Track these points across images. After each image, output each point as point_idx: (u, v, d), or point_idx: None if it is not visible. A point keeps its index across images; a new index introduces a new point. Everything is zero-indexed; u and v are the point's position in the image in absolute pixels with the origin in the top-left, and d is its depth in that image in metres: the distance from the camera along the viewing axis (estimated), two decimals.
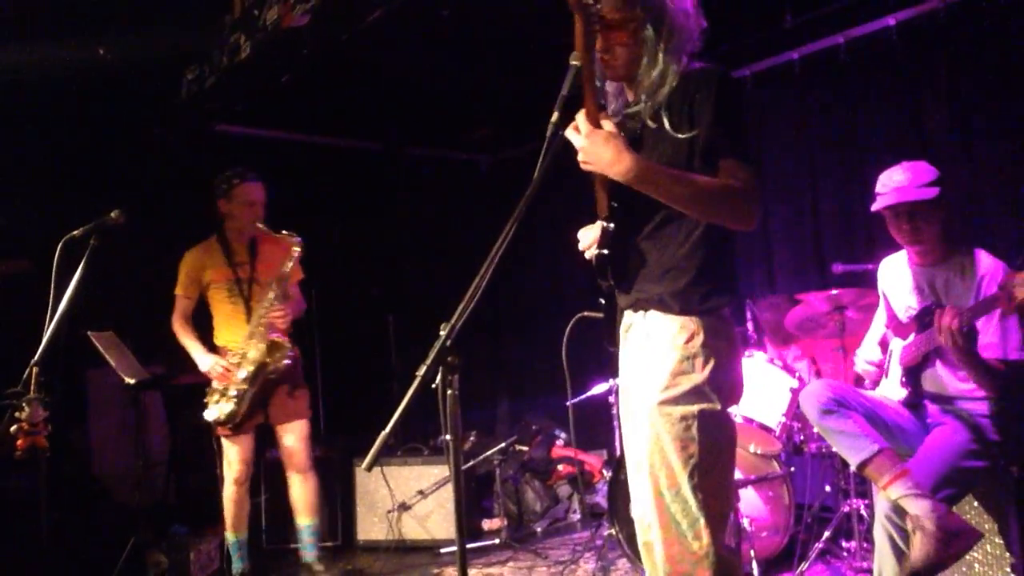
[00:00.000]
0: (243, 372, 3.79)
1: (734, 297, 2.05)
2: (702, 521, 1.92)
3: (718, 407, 1.96)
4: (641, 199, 1.96)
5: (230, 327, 3.93)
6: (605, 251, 2.04)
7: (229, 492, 3.94)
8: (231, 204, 3.92)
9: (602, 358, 4.09)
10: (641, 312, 2.06)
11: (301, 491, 4.00)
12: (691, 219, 1.98)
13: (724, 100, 1.93)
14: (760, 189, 1.94)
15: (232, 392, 3.80)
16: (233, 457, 3.90)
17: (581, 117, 1.91)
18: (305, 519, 4.02)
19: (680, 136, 1.95)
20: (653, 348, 2.00)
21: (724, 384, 1.98)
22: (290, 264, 3.83)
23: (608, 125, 1.92)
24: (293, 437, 3.93)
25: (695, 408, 1.93)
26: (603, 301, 2.19)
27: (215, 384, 3.84)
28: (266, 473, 4.86)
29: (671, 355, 1.96)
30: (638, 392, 2.04)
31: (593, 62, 1.95)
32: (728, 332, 2.03)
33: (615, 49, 2.01)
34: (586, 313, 3.38)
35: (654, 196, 1.90)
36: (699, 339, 1.96)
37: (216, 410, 3.81)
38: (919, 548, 2.49)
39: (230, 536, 3.97)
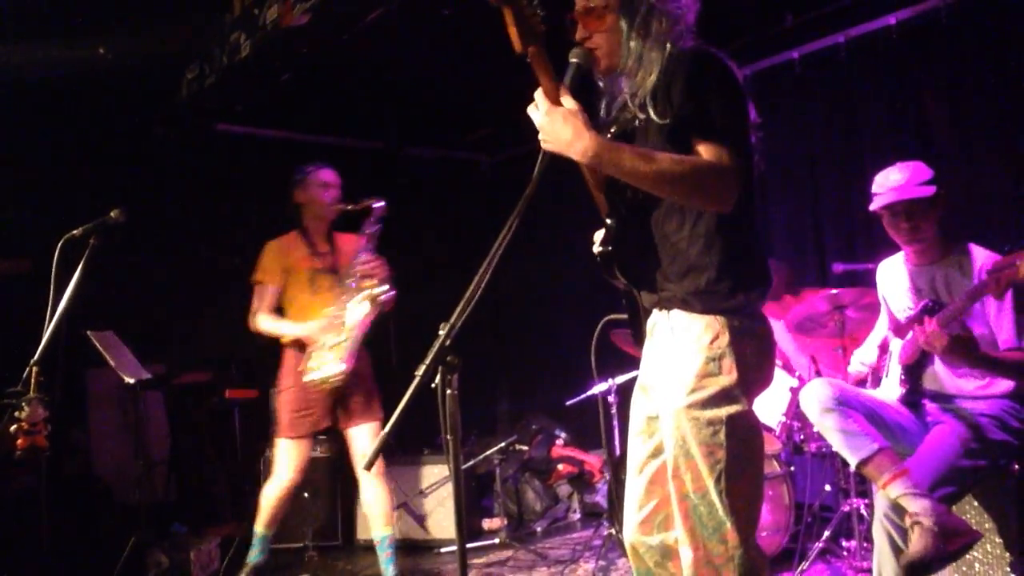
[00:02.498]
0: (346, 319, 3.68)
1: (762, 290, 1.96)
2: (728, 524, 1.87)
3: (746, 409, 1.91)
4: (640, 195, 1.93)
5: (307, 319, 3.76)
6: (609, 248, 2.01)
7: (277, 492, 3.76)
8: (307, 191, 3.90)
9: (602, 358, 4.11)
10: (665, 311, 2.01)
11: (372, 498, 3.78)
12: (695, 212, 1.92)
13: (696, 78, 1.86)
14: (739, 169, 1.83)
15: (334, 341, 3.65)
16: (290, 462, 3.74)
17: (539, 95, 1.85)
18: (379, 530, 3.78)
19: (662, 123, 1.89)
20: (678, 348, 1.94)
21: (753, 383, 1.93)
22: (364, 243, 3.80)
23: (569, 102, 1.85)
24: (365, 440, 3.76)
25: (723, 413, 1.87)
26: (624, 301, 2.15)
27: (318, 345, 3.68)
28: (265, 473, 4.86)
29: (697, 356, 1.90)
30: (662, 393, 1.98)
31: (542, 46, 1.86)
32: (755, 328, 1.95)
33: (595, 37, 1.98)
34: (612, 316, 3.36)
35: (620, 177, 1.85)
36: (724, 339, 1.89)
37: (321, 372, 3.65)
38: (917, 542, 2.48)
39: (259, 530, 3.80)
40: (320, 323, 3.70)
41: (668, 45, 1.94)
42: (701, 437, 1.88)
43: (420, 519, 4.82)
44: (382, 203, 3.81)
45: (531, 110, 1.87)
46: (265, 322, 3.80)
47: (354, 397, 3.78)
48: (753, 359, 1.93)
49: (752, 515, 1.94)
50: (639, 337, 2.16)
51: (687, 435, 1.89)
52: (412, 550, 4.71)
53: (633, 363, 2.23)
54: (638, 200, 1.95)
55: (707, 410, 1.88)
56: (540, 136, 1.84)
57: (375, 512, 3.79)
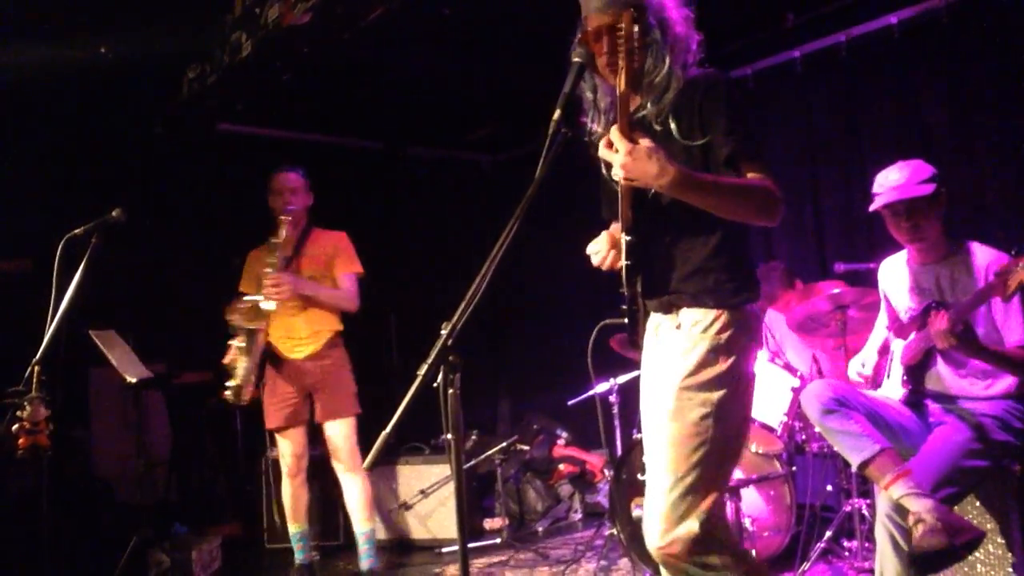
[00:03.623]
0: (239, 343, 3.76)
1: (757, 293, 2.11)
2: (704, 504, 1.97)
3: (737, 396, 2.03)
4: (661, 211, 2.02)
5: (273, 322, 3.85)
6: (631, 262, 2.07)
7: (284, 486, 3.96)
8: (270, 197, 3.90)
9: (603, 359, 4.11)
10: (673, 312, 2.11)
11: (350, 492, 3.93)
12: (709, 224, 2.03)
13: (734, 106, 2.00)
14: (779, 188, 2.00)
15: (232, 365, 3.78)
16: (283, 451, 3.92)
17: (616, 134, 1.91)
18: (359, 524, 3.94)
19: (692, 143, 2.00)
20: (685, 339, 2.06)
21: (744, 375, 2.05)
22: (279, 238, 3.74)
23: (645, 141, 1.93)
24: (336, 434, 3.87)
25: (715, 396, 2.00)
26: (624, 306, 2.20)
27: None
28: (267, 472, 4.87)
29: (702, 344, 2.03)
30: (662, 379, 2.09)
31: (631, 86, 1.95)
32: (754, 326, 2.10)
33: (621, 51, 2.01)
34: (608, 321, 3.41)
35: (694, 203, 1.95)
36: (729, 330, 2.03)
37: (229, 389, 3.78)
38: (922, 536, 2.47)
39: (291, 527, 4.01)
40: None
41: (684, 70, 2.05)
42: (691, 417, 2.00)
43: (421, 519, 4.82)
44: (288, 217, 3.76)
45: (603, 152, 1.94)
46: None
47: (322, 394, 3.89)
48: (746, 353, 2.07)
49: (719, 500, 2.04)
50: (637, 342, 2.24)
51: (678, 413, 2.01)
52: (413, 550, 4.72)
53: (633, 364, 2.25)
54: (655, 217, 2.04)
55: (701, 392, 2.01)
56: (623, 174, 1.91)
57: (354, 507, 3.92)
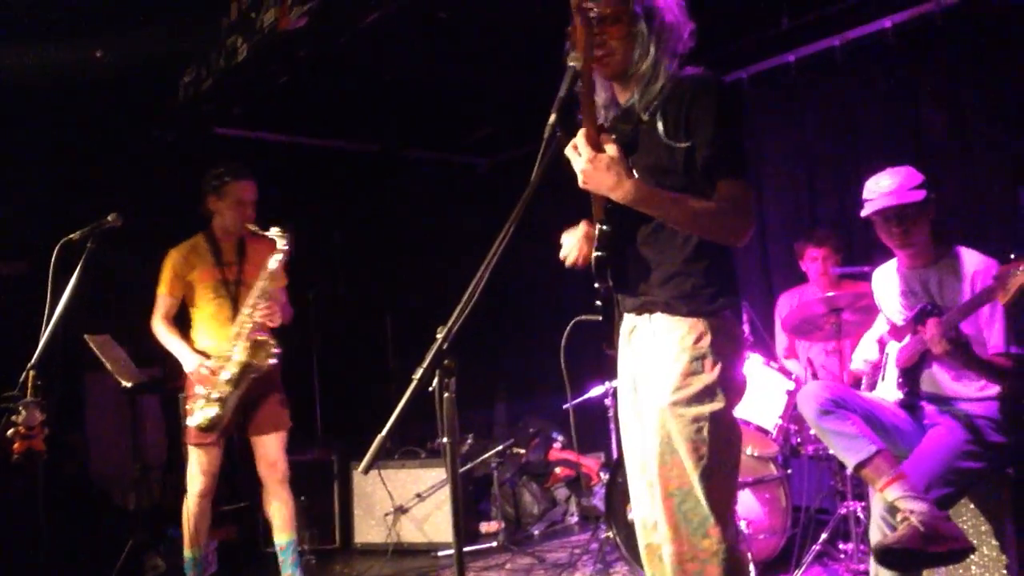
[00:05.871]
0: (226, 374, 3.55)
1: (738, 297, 2.08)
2: (712, 519, 1.94)
3: (727, 406, 1.98)
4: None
5: (213, 330, 3.71)
6: (602, 253, 2.04)
7: (191, 505, 3.68)
8: (221, 202, 3.74)
9: (599, 361, 4.10)
10: (647, 315, 2.07)
11: (280, 505, 3.74)
12: None
13: (724, 114, 1.95)
14: (753, 204, 1.97)
15: (215, 395, 3.55)
16: (199, 469, 3.66)
17: (582, 140, 1.91)
18: (285, 535, 3.76)
19: (675, 144, 1.96)
20: (662, 350, 2.01)
21: (731, 383, 2.01)
22: (276, 261, 3.60)
23: (611, 148, 1.92)
24: (274, 448, 3.70)
25: (707, 410, 1.95)
26: (600, 304, 2.18)
27: (198, 388, 3.59)
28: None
29: (681, 356, 1.98)
30: (647, 393, 2.05)
31: (592, 75, 1.95)
32: (734, 332, 2.05)
33: (609, 44, 2.02)
34: (583, 317, 3.38)
35: (655, 216, 1.95)
36: (707, 339, 1.97)
37: (201, 415, 3.55)
38: (898, 532, 2.50)
39: (187, 553, 3.70)
40: (196, 363, 3.62)
41: (674, 60, 2.02)
42: (686, 434, 1.95)
43: (417, 522, 4.81)
44: (286, 245, 3.62)
45: (570, 153, 1.92)
46: (160, 333, 3.76)
47: (262, 406, 3.69)
48: (732, 359, 2.02)
49: (731, 510, 2.02)
50: (611, 340, 2.22)
51: (672, 432, 1.97)
52: (409, 554, 4.71)
53: None
54: (630, 210, 1.99)
55: (692, 407, 1.96)
56: (581, 179, 1.92)
57: (280, 520, 3.74)
